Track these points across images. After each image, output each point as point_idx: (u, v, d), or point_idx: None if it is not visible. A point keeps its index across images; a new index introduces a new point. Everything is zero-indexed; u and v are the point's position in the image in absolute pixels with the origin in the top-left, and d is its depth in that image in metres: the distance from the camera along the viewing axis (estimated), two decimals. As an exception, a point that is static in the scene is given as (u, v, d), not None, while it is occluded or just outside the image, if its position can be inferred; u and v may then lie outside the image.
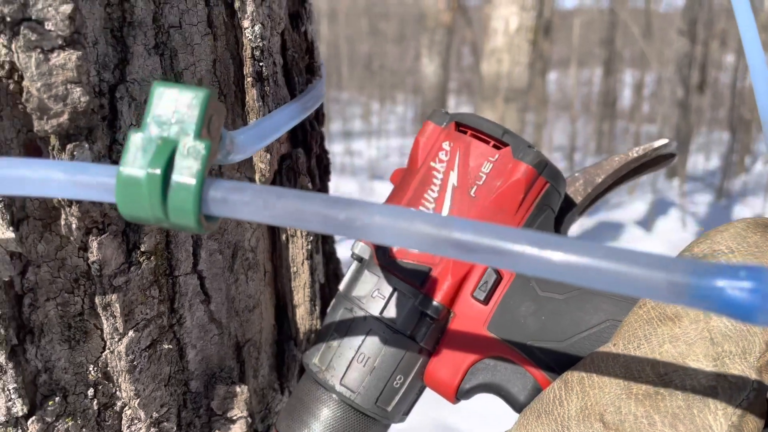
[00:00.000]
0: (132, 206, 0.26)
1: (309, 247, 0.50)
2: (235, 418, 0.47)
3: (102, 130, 0.36)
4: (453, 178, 0.46)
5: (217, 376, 0.48)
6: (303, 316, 0.52)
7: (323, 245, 0.64)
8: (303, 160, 0.48)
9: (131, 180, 0.25)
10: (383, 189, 8.89)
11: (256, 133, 0.35)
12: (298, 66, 0.50)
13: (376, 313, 0.45)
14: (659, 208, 8.08)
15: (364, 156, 11.20)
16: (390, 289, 0.45)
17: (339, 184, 8.61)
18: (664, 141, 0.52)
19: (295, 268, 0.51)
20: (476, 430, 2.90)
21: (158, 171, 0.25)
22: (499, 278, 0.44)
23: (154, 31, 0.37)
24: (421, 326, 0.44)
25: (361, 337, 0.44)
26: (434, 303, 0.44)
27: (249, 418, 0.48)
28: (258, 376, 0.52)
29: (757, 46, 0.46)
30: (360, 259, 0.46)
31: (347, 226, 0.24)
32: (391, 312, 0.45)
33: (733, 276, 0.20)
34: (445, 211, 0.45)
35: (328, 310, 0.49)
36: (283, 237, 0.50)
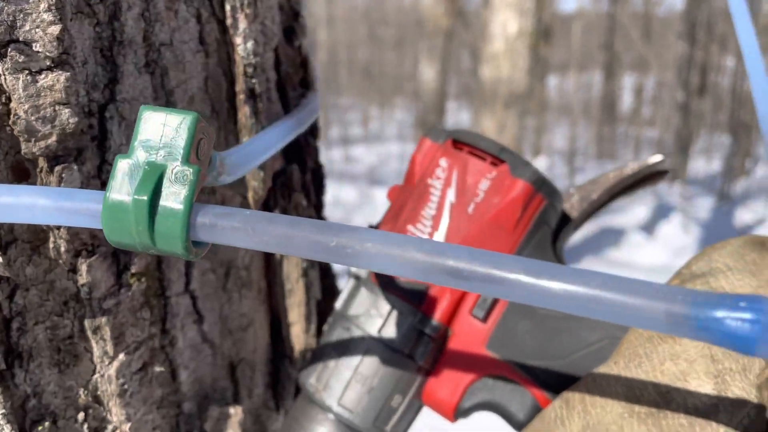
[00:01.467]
0: (118, 233, 0.25)
1: (304, 264, 0.49)
2: (229, 438, 0.47)
3: (91, 150, 0.35)
4: (450, 195, 0.45)
5: (211, 397, 0.47)
6: (298, 335, 0.52)
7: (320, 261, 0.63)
8: (298, 177, 0.48)
9: (118, 206, 0.25)
10: (382, 195, 8.88)
11: (248, 153, 0.35)
12: (291, 80, 0.49)
13: (373, 332, 0.44)
14: (661, 212, 8.05)
15: (364, 162, 11.18)
16: (388, 307, 0.44)
17: (338, 191, 8.60)
18: (658, 157, 0.51)
19: (289, 285, 0.50)
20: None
21: (145, 197, 0.24)
22: None
23: (144, 50, 0.36)
24: (420, 345, 0.43)
25: (358, 357, 0.44)
26: (433, 322, 0.43)
27: (244, 439, 0.47)
28: (253, 396, 0.52)
29: (755, 50, 0.46)
30: (357, 277, 0.46)
31: (338, 253, 0.24)
32: (389, 331, 0.44)
33: (732, 307, 0.19)
34: (443, 228, 0.44)
35: (325, 328, 0.48)
36: (278, 254, 0.49)
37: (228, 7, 0.39)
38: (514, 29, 4.68)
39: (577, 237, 6.74)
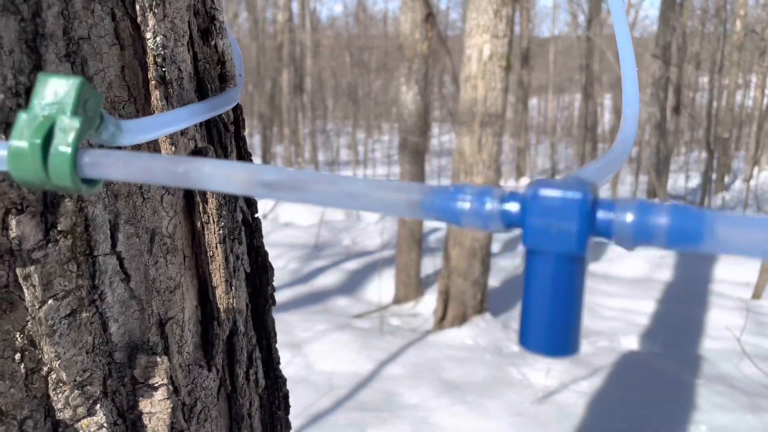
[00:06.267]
0: (21, 172, 0.32)
1: (221, 232, 0.56)
2: (156, 385, 0.53)
3: (19, 124, 0.42)
4: None
5: (141, 349, 0.53)
6: (221, 296, 0.58)
7: (251, 239, 0.70)
8: (212, 155, 0.55)
9: (18, 150, 0.32)
10: (369, 216, 8.97)
11: (148, 124, 0.42)
12: (210, 74, 0.57)
13: None
14: (642, 226, 8.15)
15: (351, 185, 11.29)
16: None
17: (326, 213, 8.69)
18: None
19: (211, 252, 0.57)
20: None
21: (38, 141, 0.32)
22: None
23: (65, 42, 0.44)
24: None
25: None
26: None
27: (171, 386, 0.54)
28: (183, 353, 0.58)
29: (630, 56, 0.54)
30: None
31: (186, 177, 0.31)
32: None
33: (445, 193, 0.27)
34: None
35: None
36: (199, 224, 0.56)
37: (138, 7, 0.47)
38: (488, 52, 4.83)
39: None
